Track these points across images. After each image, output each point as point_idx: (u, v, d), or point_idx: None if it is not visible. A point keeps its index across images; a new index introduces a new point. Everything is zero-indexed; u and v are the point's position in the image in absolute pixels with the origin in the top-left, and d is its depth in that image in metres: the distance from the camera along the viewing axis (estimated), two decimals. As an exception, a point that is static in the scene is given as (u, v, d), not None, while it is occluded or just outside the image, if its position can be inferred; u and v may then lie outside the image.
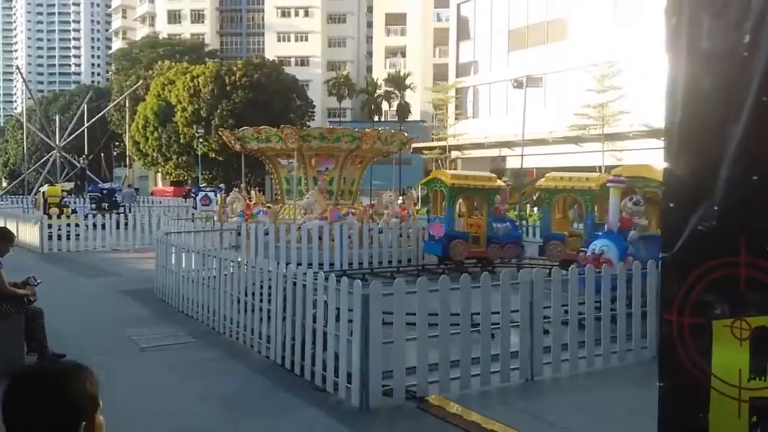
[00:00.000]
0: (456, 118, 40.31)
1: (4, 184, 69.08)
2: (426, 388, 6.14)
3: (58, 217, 20.28)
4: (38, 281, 7.49)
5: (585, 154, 30.11)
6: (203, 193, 28.80)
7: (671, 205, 3.42)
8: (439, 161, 38.79)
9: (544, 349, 6.87)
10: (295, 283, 7.03)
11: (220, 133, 25.50)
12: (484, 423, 5.48)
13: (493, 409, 5.91)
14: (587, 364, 7.10)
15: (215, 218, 18.08)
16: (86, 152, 50.96)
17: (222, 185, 32.32)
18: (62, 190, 24.88)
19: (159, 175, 64.44)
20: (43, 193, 24.06)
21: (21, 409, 1.64)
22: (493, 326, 6.73)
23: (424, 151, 41.53)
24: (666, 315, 3.46)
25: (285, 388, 6.57)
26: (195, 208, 26.52)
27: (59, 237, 19.26)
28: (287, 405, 6.17)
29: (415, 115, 60.51)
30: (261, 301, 7.77)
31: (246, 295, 8.13)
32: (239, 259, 8.52)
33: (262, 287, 7.89)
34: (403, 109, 58.42)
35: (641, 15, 29.68)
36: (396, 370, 6.05)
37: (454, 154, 40.00)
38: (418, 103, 61.38)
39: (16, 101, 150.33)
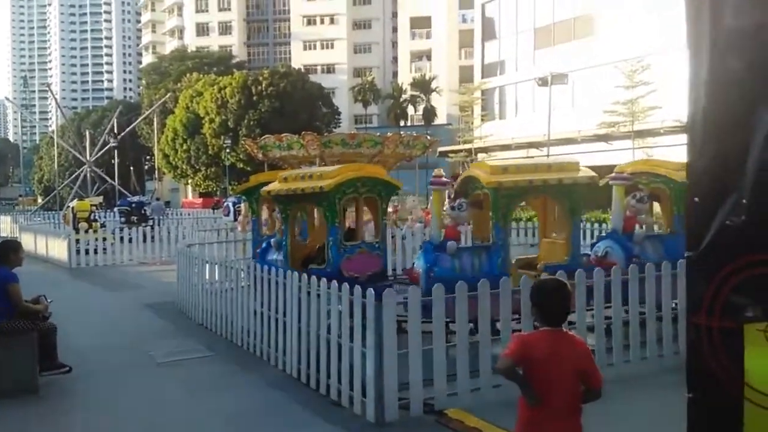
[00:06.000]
0: (482, 120, 39.88)
1: (40, 200, 70.50)
2: (444, 401, 5.86)
3: (86, 231, 20.40)
4: (50, 300, 7.40)
5: (615, 152, 29.45)
6: (226, 203, 28.71)
7: (696, 199, 3.16)
8: (465, 164, 38.37)
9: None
10: (309, 293, 6.82)
11: (242, 142, 25.50)
12: (506, 437, 5.18)
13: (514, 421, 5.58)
14: (616, 371, 6.73)
15: (238, 229, 17.98)
16: (116, 167, 51.64)
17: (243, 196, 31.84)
18: (91, 205, 25.04)
19: (189, 187, 65.17)
20: (72, 208, 24.27)
21: (560, 298, 3.46)
22: (515, 332, 6.41)
23: (450, 155, 41.16)
24: (693, 318, 3.18)
25: (299, 403, 6.34)
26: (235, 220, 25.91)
27: (87, 251, 19.36)
28: (300, 421, 5.94)
29: (441, 119, 60.21)
30: (277, 312, 7.56)
31: (262, 306, 7.94)
32: (254, 269, 8.32)
33: (278, 298, 7.69)
34: (429, 113, 58.19)
35: (670, 7, 29.00)
36: (413, 381, 5.78)
37: (481, 156, 39.55)
38: (444, 106, 61.07)
39: (50, 119, 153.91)
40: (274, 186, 9.75)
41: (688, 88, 3.09)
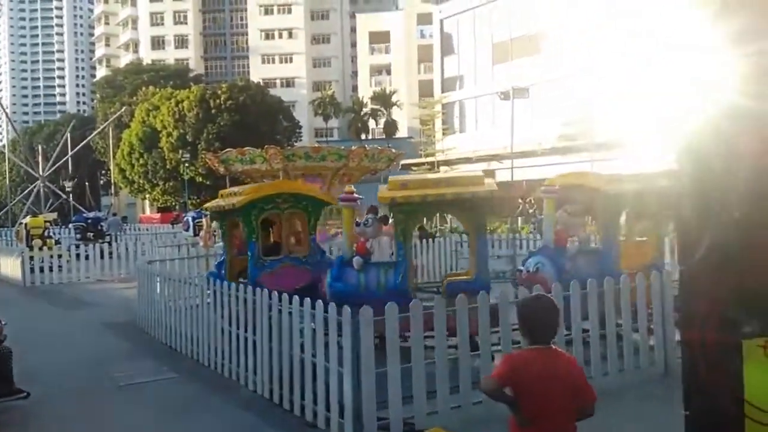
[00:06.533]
0: (443, 133, 40.07)
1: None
2: (424, 420, 5.70)
3: (41, 249, 19.73)
4: (3, 322, 7.03)
5: (575, 165, 29.82)
6: (185, 218, 28.10)
7: (688, 213, 3.10)
8: (429, 177, 38.33)
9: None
10: (280, 311, 6.60)
11: (203, 156, 25.07)
12: (489, 456, 5.05)
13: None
14: (595, 385, 6.66)
15: (201, 244, 17.58)
16: (71, 182, 50.32)
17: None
18: (45, 221, 24.24)
19: (146, 201, 63.88)
20: (25, 224, 23.47)
21: (549, 315, 3.42)
22: (494, 346, 6.31)
23: (413, 168, 41.16)
24: (688, 335, 3.11)
25: (273, 425, 6.12)
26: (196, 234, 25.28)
27: (42, 269, 18.70)
28: (275, 444, 5.72)
29: (402, 132, 60.44)
30: (246, 330, 7.31)
31: (230, 324, 7.67)
32: (222, 287, 8.06)
33: (246, 315, 7.44)
34: (390, 127, 58.39)
35: (625, 21, 29.59)
36: (392, 401, 5.61)
37: (443, 169, 39.68)
38: (404, 120, 61.34)
39: (1, 133, 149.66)
40: (212, 203, 10.06)
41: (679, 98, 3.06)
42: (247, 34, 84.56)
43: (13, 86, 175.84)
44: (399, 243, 8.03)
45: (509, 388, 3.31)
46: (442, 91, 42.03)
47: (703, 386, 3.01)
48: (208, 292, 8.41)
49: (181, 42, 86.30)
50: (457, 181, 8.26)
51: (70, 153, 47.64)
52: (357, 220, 8.55)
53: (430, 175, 8.65)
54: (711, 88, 2.92)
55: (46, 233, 22.33)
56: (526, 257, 9.25)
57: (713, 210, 2.95)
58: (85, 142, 50.57)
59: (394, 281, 7.87)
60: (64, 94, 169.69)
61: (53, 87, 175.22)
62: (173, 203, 57.30)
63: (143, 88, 62.64)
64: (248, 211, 8.93)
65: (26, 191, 50.77)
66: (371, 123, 62.04)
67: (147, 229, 37.16)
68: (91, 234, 25.66)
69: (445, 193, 7.94)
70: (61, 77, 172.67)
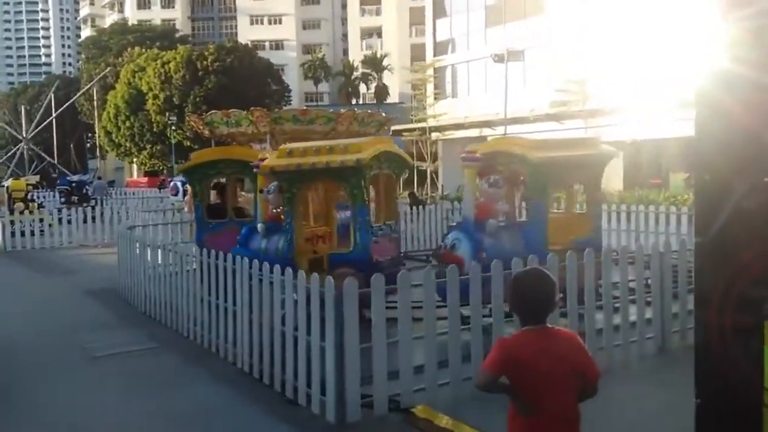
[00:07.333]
0: (435, 98, 39.47)
1: (-26, 180, 67.44)
2: (411, 397, 5.42)
3: (22, 212, 19.28)
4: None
5: (568, 131, 29.44)
6: (173, 182, 27.65)
7: (706, 177, 2.80)
8: (420, 143, 37.88)
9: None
10: (261, 280, 6.27)
11: (187, 118, 24.49)
12: (478, 437, 4.79)
13: (488, 418, 5.16)
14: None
15: (185, 209, 17.19)
16: (56, 144, 49.57)
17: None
18: (27, 184, 23.75)
19: (134, 165, 63.05)
20: (7, 187, 22.97)
21: (542, 291, 3.04)
22: (484, 318, 6.03)
23: (404, 133, 40.64)
24: (702, 314, 2.85)
25: (251, 401, 5.82)
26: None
27: (23, 233, 18.28)
28: (252, 422, 5.42)
29: (393, 97, 59.68)
30: (226, 300, 6.98)
31: (209, 294, 7.35)
32: (201, 254, 7.70)
33: (226, 284, 7.11)
34: (381, 91, 57.63)
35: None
36: (377, 378, 5.31)
37: (435, 135, 39.21)
38: (396, 84, 60.53)
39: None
40: None
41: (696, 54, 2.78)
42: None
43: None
44: (287, 210, 8.07)
45: (505, 377, 3.00)
46: (434, 55, 41.31)
47: (718, 372, 2.77)
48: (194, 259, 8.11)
49: (167, 2, 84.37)
50: (334, 149, 7.91)
51: (53, 114, 46.63)
52: (261, 188, 8.59)
53: (316, 143, 8.17)
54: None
55: (28, 196, 21.91)
56: (446, 232, 8.59)
57: (735, 176, 2.67)
58: (68, 103, 49.50)
59: (283, 248, 8.05)
60: (49, 55, 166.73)
61: (38, 47, 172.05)
62: (160, 167, 56.53)
63: (129, 49, 61.31)
64: (191, 175, 9.98)
65: (10, 153, 49.93)
66: (362, 87, 61.20)
67: (134, 194, 36.63)
68: (76, 198, 25.26)
69: (316, 162, 7.78)
70: (46, 37, 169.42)
